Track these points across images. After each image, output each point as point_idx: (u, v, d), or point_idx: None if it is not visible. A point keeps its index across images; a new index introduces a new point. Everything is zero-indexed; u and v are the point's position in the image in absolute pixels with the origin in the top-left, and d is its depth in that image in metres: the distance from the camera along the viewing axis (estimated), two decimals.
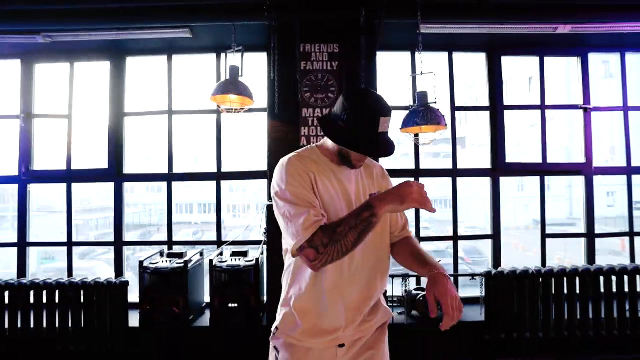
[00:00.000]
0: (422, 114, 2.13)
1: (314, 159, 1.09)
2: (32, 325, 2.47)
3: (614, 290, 2.51)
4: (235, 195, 17.36)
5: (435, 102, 2.25)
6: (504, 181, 3.04)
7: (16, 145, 3.01)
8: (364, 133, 0.99)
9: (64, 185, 2.96)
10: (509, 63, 3.14)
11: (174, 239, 3.02)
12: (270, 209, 2.40)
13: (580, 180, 3.06)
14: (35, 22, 2.58)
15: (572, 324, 2.49)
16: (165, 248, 2.90)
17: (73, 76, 3.04)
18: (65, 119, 3.02)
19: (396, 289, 2.74)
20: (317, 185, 1.04)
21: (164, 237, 3.02)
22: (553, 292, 2.50)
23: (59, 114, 3.04)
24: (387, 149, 1.03)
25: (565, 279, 2.49)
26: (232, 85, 2.26)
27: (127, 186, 3.10)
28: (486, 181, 3.05)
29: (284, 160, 1.06)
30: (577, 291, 2.52)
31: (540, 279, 2.50)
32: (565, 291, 2.50)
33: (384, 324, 1.18)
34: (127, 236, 3.04)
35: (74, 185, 3.05)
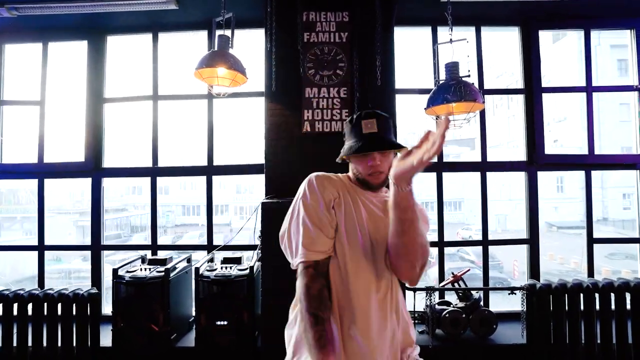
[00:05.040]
0: (453, 88, 1.70)
1: (338, 184, 1.00)
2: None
3: None
4: (242, 196, 17.14)
5: (469, 76, 1.82)
6: (513, 180, 2.59)
7: None
8: (353, 138, 0.99)
9: (68, 183, 2.60)
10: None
11: (182, 241, 2.63)
12: (265, 207, 1.99)
13: (597, 177, 2.59)
14: None
15: (638, 347, 2.02)
16: (148, 253, 2.51)
17: (46, 58, 2.69)
18: (37, 105, 2.66)
19: (418, 303, 2.30)
20: (341, 204, 0.97)
21: (167, 240, 2.63)
22: (613, 309, 2.03)
23: (31, 100, 2.68)
24: (373, 144, 0.95)
25: (629, 294, 2.02)
26: (221, 57, 1.87)
27: (134, 186, 2.72)
28: (498, 179, 2.60)
29: (313, 178, 1.00)
30: None
31: (597, 294, 2.04)
32: (629, 309, 2.03)
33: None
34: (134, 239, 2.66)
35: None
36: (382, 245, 0.94)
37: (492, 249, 2.63)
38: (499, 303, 2.63)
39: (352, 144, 0.98)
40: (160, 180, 2.64)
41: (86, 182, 2.66)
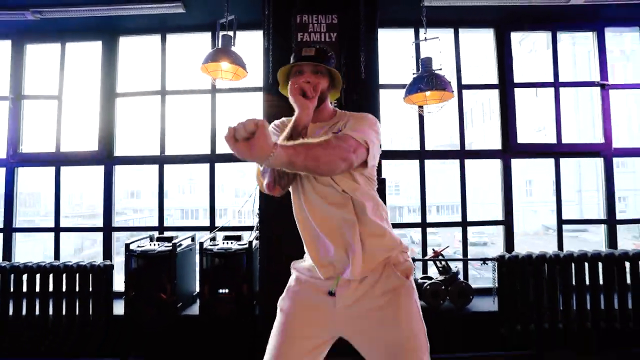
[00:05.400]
0: (426, 79, 1.97)
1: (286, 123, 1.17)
2: (10, 312, 2.32)
3: None
4: (241, 200, 17.38)
5: (441, 69, 2.08)
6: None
7: (4, 128, 2.92)
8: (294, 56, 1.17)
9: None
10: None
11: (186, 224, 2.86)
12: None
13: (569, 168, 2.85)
14: None
15: (596, 314, 2.26)
16: (155, 234, 2.75)
17: (64, 57, 2.95)
18: (55, 99, 2.92)
19: None
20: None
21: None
22: (574, 279, 2.27)
23: (50, 94, 2.93)
24: (305, 59, 1.11)
25: (587, 264, 2.27)
26: (224, 53, 2.13)
27: (133, 191, 2.97)
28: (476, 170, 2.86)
29: (276, 121, 1.21)
30: (600, 278, 2.29)
31: (559, 265, 2.28)
32: (587, 278, 2.28)
33: (393, 288, 1.05)
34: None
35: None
36: None
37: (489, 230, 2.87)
38: (479, 282, 2.87)
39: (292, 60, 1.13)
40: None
41: (85, 187, 2.89)
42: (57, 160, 2.88)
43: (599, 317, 2.25)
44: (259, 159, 0.81)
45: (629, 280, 2.29)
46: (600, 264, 2.28)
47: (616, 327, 2.24)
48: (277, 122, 1.22)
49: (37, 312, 2.32)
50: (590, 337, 2.26)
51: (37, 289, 2.34)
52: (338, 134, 1.05)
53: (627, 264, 2.28)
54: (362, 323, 1.06)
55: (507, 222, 2.79)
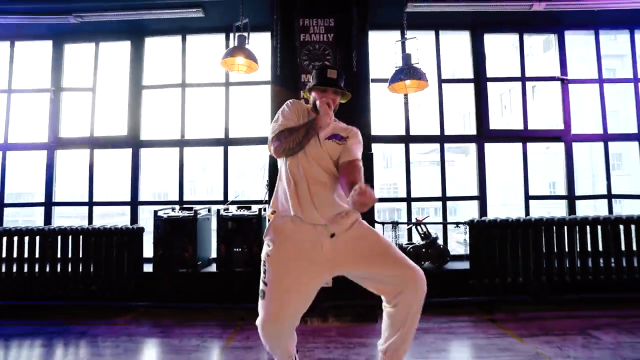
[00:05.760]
0: (405, 71, 2.42)
1: (303, 108, 1.60)
2: (58, 268, 2.75)
3: (589, 239, 2.70)
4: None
5: (418, 63, 2.53)
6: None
7: (46, 116, 3.37)
8: (318, 79, 1.57)
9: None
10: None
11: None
12: (272, 161, 2.67)
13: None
14: (67, 1, 2.97)
15: (550, 270, 2.68)
16: (177, 207, 3.18)
17: (98, 54, 3.41)
18: (89, 91, 3.37)
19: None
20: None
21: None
22: (532, 240, 2.70)
23: (85, 87, 3.39)
24: (331, 82, 1.54)
25: (543, 227, 2.70)
26: (240, 50, 2.59)
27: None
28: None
29: (289, 100, 1.60)
30: (555, 240, 2.71)
31: (520, 229, 2.71)
32: (544, 239, 2.70)
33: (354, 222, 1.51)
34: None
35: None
36: (315, 147, 1.48)
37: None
38: (457, 250, 3.29)
39: (317, 81, 1.56)
40: (161, 187, 3.33)
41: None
42: (92, 143, 3.33)
43: (553, 271, 2.67)
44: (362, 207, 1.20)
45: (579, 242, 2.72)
46: (554, 228, 2.71)
47: (566, 280, 2.66)
48: (292, 101, 1.58)
49: (81, 269, 2.75)
50: (544, 287, 2.68)
51: (70, 249, 2.77)
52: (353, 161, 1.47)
53: (577, 228, 2.70)
54: (346, 249, 1.45)
55: (481, 197, 3.23)
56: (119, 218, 2.97)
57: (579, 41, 3.49)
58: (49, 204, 3.30)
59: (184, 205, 3.07)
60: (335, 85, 1.55)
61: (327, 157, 1.48)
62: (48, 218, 3.27)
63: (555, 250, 2.69)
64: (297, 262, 1.43)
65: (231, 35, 3.13)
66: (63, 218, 3.48)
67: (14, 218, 3.38)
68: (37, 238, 2.77)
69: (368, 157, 2.55)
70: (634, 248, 2.71)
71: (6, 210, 3.31)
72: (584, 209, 3.37)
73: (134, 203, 3.29)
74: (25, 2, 2.96)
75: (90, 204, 3.30)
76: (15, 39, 3.43)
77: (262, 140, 3.24)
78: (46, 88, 3.40)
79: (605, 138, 3.30)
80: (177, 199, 3.31)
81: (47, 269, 2.75)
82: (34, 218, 10.55)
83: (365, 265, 1.46)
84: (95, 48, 3.41)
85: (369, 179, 2.54)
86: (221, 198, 3.23)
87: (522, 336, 2.21)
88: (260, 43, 3.19)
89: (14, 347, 2.19)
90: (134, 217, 3.27)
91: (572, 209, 3.22)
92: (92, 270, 2.74)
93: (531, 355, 1.96)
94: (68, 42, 3.43)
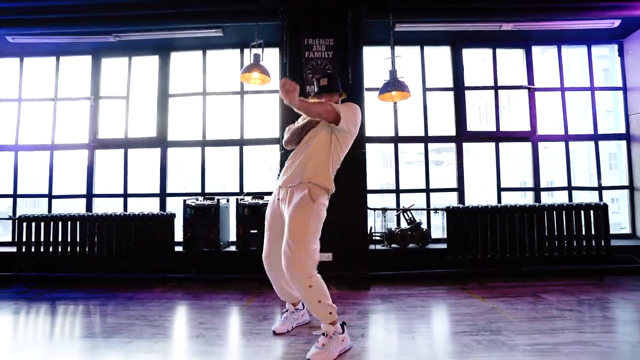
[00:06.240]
0: (391, 84, 2.97)
1: None
2: (105, 249, 3.31)
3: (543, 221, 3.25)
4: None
5: (402, 78, 3.08)
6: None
7: (87, 120, 3.92)
8: (316, 87, 2.12)
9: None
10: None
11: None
12: (283, 157, 3.22)
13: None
14: (109, 25, 3.52)
15: (513, 248, 3.23)
16: (200, 197, 3.73)
17: (130, 67, 3.96)
18: (124, 99, 3.93)
19: (381, 228, 3.55)
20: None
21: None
22: (498, 222, 3.24)
23: (120, 95, 3.95)
24: (321, 89, 2.07)
25: (507, 212, 3.24)
26: (256, 66, 3.14)
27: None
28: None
29: None
30: (517, 223, 3.26)
31: (488, 215, 3.26)
32: (508, 222, 3.25)
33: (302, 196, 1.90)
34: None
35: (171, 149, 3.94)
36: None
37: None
38: (438, 233, 3.83)
39: (315, 90, 2.10)
40: (183, 182, 3.88)
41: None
42: (126, 143, 3.88)
43: (515, 249, 3.22)
44: (291, 102, 1.69)
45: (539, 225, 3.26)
46: (516, 215, 3.25)
47: (526, 255, 3.21)
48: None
49: (124, 248, 3.30)
50: (508, 262, 3.22)
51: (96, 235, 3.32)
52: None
53: (535, 214, 3.25)
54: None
55: (460, 189, 3.78)
56: (145, 209, 3.47)
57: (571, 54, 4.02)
58: (89, 196, 3.86)
59: (207, 197, 3.62)
60: (326, 91, 2.06)
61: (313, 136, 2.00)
62: (89, 208, 3.83)
63: (517, 231, 3.24)
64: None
65: (245, 50, 3.70)
66: (98, 209, 4.03)
67: (55, 209, 3.97)
68: (88, 223, 3.33)
69: (361, 156, 3.11)
70: (583, 230, 3.25)
71: (54, 201, 3.87)
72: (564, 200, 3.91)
73: (163, 195, 3.85)
74: (73, 26, 3.50)
75: (125, 195, 3.86)
76: (60, 54, 3.99)
77: (274, 140, 3.78)
78: (86, 96, 3.96)
79: (566, 138, 3.84)
80: (199, 190, 3.87)
81: (96, 249, 3.31)
82: (70, 209, 11.16)
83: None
84: (128, 62, 3.97)
85: (362, 174, 3.08)
86: (227, 190, 3.78)
87: (484, 298, 2.76)
88: (270, 56, 3.75)
89: (80, 305, 2.74)
90: (163, 207, 3.83)
91: (537, 198, 3.76)
92: (133, 249, 3.29)
93: (488, 308, 2.51)
94: (105, 57, 3.99)
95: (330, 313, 1.83)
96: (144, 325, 2.29)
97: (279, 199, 2.00)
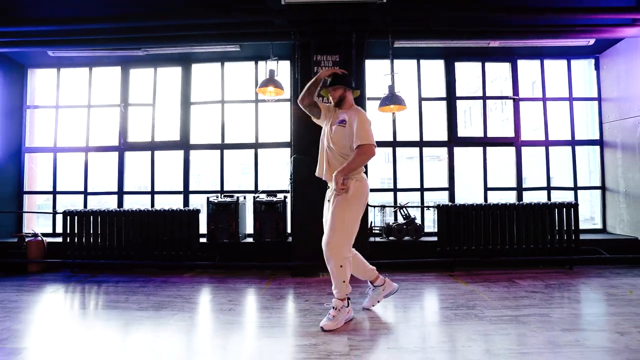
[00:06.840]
0: (390, 98, 3.42)
1: (327, 106, 2.52)
2: (138, 240, 3.79)
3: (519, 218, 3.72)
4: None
5: (399, 92, 3.53)
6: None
7: (117, 125, 4.38)
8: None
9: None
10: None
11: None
12: (294, 160, 3.68)
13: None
14: (137, 43, 3.95)
15: (495, 240, 3.71)
16: (220, 195, 4.21)
17: (156, 77, 4.41)
18: (150, 106, 4.38)
19: (380, 223, 4.01)
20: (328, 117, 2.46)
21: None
22: (482, 218, 3.71)
23: (146, 102, 4.40)
24: (325, 83, 2.46)
25: (490, 209, 3.71)
26: (271, 81, 3.59)
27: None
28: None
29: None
30: (499, 218, 3.73)
31: (474, 211, 3.73)
32: (491, 218, 3.72)
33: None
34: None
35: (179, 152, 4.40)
36: (332, 134, 2.35)
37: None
38: (430, 228, 4.31)
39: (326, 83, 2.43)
40: (201, 183, 4.34)
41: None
42: (152, 146, 4.34)
43: (497, 241, 3.70)
44: (342, 186, 2.25)
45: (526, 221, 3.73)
46: (498, 212, 3.72)
47: (506, 247, 3.69)
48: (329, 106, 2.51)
49: (156, 239, 3.79)
50: (491, 253, 3.70)
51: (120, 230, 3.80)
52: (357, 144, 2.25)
53: (515, 212, 3.71)
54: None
55: (450, 188, 4.25)
56: (172, 205, 3.95)
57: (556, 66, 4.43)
58: (120, 193, 4.34)
59: (226, 194, 4.09)
60: (331, 84, 2.40)
61: (334, 141, 2.30)
62: (120, 204, 4.31)
63: (500, 226, 3.71)
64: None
65: (260, 62, 4.14)
66: (126, 205, 4.51)
67: (89, 204, 4.44)
68: (124, 217, 3.81)
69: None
70: (556, 225, 3.72)
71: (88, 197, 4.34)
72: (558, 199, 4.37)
73: (186, 192, 4.32)
74: (106, 43, 3.93)
75: (152, 192, 4.34)
76: (93, 65, 4.43)
77: (286, 144, 4.23)
78: (116, 103, 4.41)
79: (547, 144, 4.29)
80: (218, 189, 4.34)
81: (131, 239, 3.79)
82: (93, 206, 11.68)
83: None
84: (154, 72, 4.41)
85: (364, 172, 3.54)
86: (242, 188, 4.26)
87: (467, 282, 3.24)
88: (282, 67, 4.19)
89: (121, 286, 3.24)
90: (186, 204, 4.31)
91: (520, 197, 4.23)
92: (164, 239, 3.78)
93: (469, 291, 2.99)
94: (133, 68, 4.43)
95: (345, 292, 2.30)
96: (183, 302, 2.78)
97: None
